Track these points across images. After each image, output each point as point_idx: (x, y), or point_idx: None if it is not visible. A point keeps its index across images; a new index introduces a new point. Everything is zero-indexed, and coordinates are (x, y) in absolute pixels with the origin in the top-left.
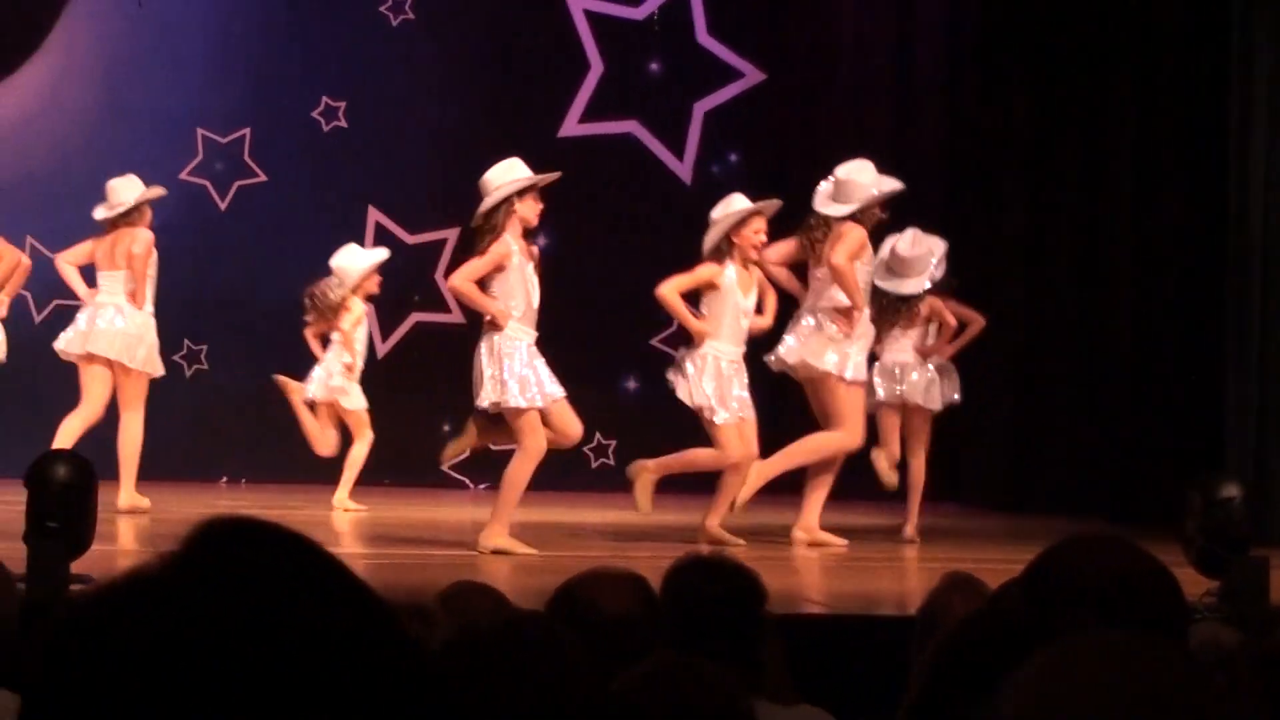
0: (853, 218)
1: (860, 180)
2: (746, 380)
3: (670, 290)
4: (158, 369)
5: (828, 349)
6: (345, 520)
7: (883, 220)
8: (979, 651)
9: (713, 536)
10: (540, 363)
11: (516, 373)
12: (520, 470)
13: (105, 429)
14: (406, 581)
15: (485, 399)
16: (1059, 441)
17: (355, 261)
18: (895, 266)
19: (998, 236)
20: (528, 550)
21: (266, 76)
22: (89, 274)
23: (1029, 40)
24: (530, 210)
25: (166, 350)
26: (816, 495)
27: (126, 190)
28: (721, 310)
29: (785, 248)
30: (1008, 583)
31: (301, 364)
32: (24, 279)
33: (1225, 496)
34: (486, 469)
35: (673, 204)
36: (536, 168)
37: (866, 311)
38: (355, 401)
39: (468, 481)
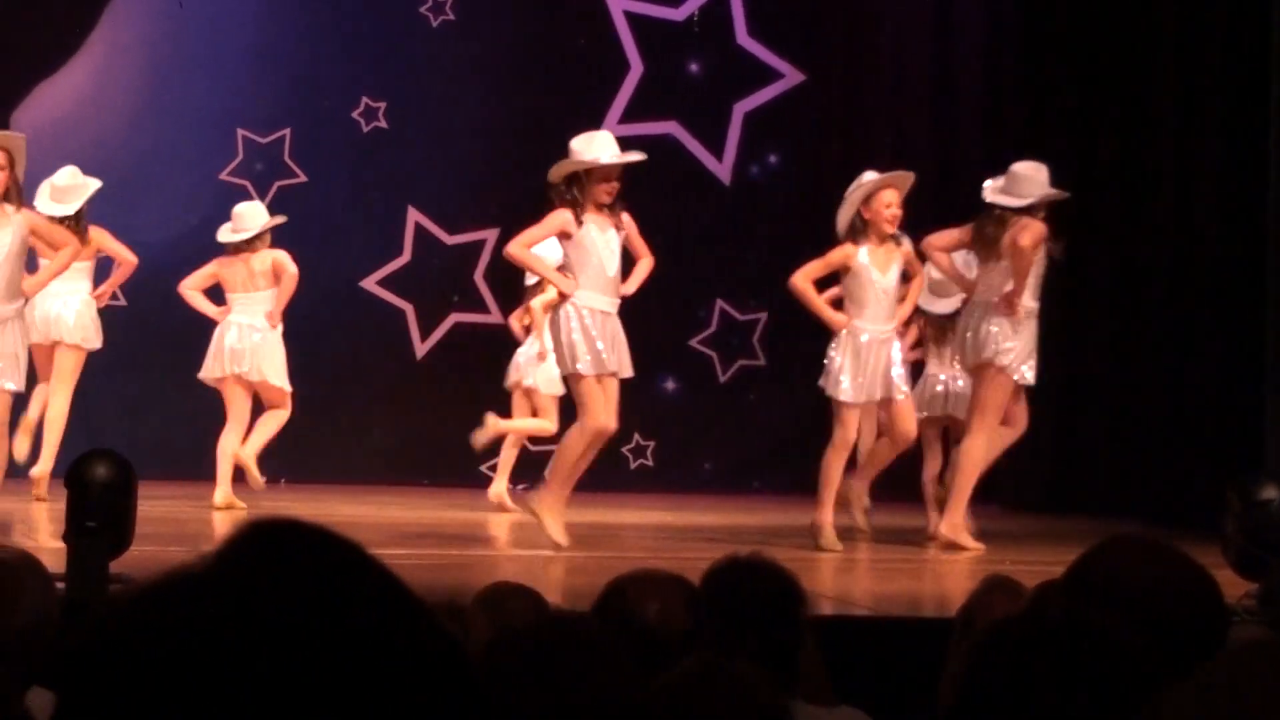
0: (1028, 211)
1: (1036, 178)
2: (899, 358)
3: (801, 279)
4: (286, 383)
5: (992, 340)
6: (396, 519)
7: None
8: (1015, 655)
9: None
10: (599, 335)
11: (571, 340)
12: (572, 443)
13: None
14: (443, 582)
15: (559, 371)
16: (1099, 443)
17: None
18: (933, 287)
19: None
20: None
21: (307, 77)
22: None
23: (1070, 40)
24: (600, 190)
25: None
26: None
27: (252, 217)
28: (858, 290)
29: (951, 235)
30: (1046, 584)
31: (339, 367)
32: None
33: (1265, 498)
34: (526, 469)
35: (712, 205)
36: None
37: (1035, 304)
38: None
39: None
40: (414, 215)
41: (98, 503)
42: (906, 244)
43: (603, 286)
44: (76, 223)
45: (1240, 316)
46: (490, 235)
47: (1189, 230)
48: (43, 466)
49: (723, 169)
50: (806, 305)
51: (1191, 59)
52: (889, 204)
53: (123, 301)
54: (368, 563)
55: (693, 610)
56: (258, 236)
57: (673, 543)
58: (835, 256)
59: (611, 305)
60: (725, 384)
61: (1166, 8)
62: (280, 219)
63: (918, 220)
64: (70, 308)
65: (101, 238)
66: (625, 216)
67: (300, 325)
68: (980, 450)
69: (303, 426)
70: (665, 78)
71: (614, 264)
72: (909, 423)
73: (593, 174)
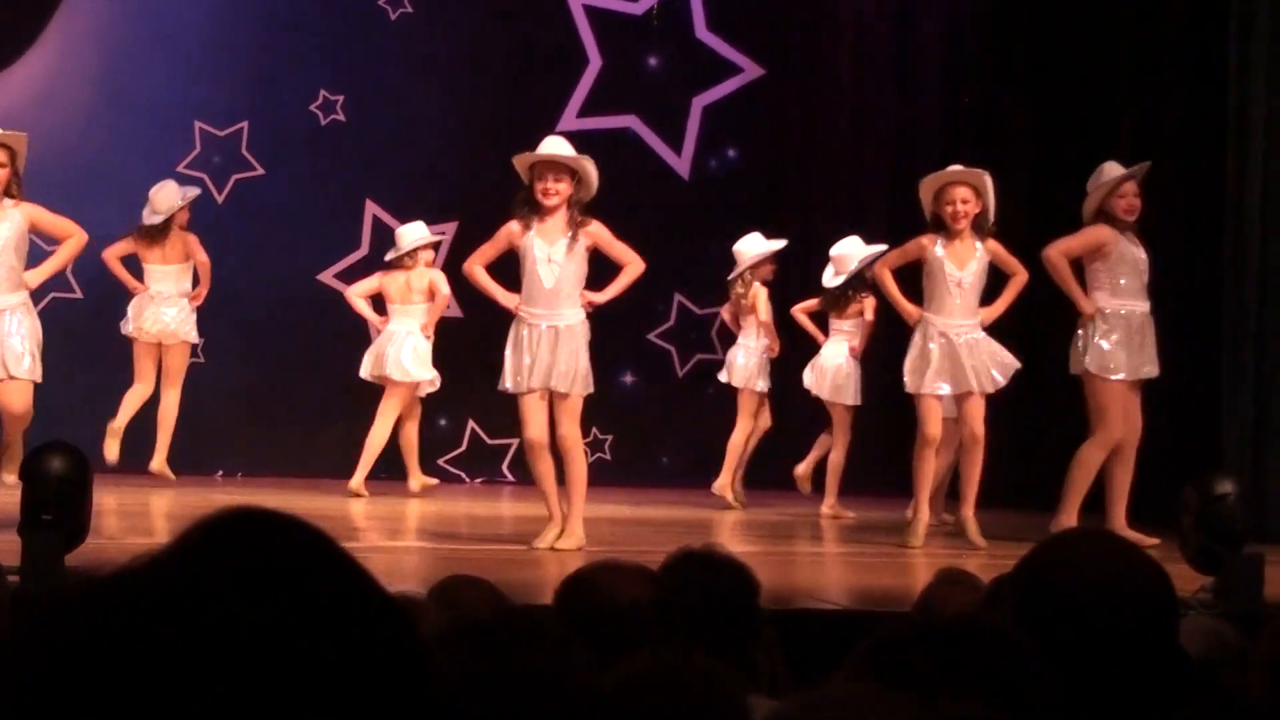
0: (1105, 214)
1: (1098, 181)
2: (981, 352)
3: (880, 267)
4: (436, 383)
5: (1077, 349)
6: (353, 511)
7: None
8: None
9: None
10: (528, 350)
11: (506, 354)
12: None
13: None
14: (400, 575)
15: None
16: (1057, 439)
17: (749, 247)
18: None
19: (998, 232)
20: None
21: (265, 70)
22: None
23: (1031, 33)
24: (537, 190)
25: None
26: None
27: (406, 236)
28: (931, 284)
29: (1066, 244)
30: (1000, 578)
31: (296, 360)
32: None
33: (1220, 493)
34: (482, 464)
35: (671, 199)
36: None
37: (1122, 303)
38: (757, 386)
39: (464, 476)
40: (372, 208)
41: (53, 495)
42: (992, 242)
43: (537, 299)
44: (164, 230)
45: (1198, 315)
46: (448, 229)
47: (1149, 228)
48: (158, 460)
49: (681, 163)
50: (884, 293)
51: (1153, 60)
52: (950, 200)
53: (78, 294)
54: (332, 551)
55: (657, 599)
56: (411, 254)
57: (630, 536)
58: (910, 246)
59: (550, 318)
60: (683, 378)
61: (1128, 8)
62: (437, 238)
63: (874, 217)
64: (172, 311)
65: (190, 243)
66: (594, 225)
67: (257, 319)
68: (1094, 456)
69: (259, 419)
70: (624, 71)
71: (552, 275)
72: (972, 421)
73: (532, 175)
